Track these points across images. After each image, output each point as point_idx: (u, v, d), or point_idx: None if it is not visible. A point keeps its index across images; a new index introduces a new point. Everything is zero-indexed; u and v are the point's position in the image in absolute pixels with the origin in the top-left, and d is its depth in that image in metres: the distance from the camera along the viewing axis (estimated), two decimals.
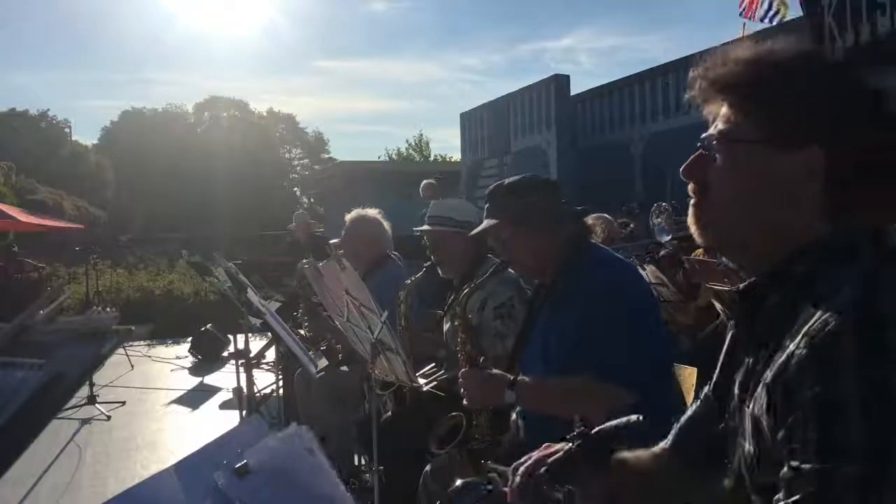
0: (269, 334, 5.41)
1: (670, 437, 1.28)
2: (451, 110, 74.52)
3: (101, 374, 6.53)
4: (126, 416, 5.95)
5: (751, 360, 1.00)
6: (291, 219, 8.60)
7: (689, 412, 1.28)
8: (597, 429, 1.24)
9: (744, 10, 9.30)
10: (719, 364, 1.18)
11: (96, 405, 5.90)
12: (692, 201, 1.08)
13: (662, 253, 4.51)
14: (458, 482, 1.44)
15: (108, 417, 5.77)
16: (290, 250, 8.72)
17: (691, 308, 4.00)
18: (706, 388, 1.24)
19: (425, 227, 3.07)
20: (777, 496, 0.84)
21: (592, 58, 76.39)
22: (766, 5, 9.09)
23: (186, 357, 8.67)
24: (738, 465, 0.99)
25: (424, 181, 8.19)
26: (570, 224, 2.20)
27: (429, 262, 3.12)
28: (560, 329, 2.08)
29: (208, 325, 8.66)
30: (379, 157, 35.60)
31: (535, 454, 1.28)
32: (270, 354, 6.63)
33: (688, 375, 2.25)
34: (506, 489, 1.30)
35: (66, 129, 38.49)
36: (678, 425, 1.28)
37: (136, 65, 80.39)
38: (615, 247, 3.70)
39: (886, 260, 0.94)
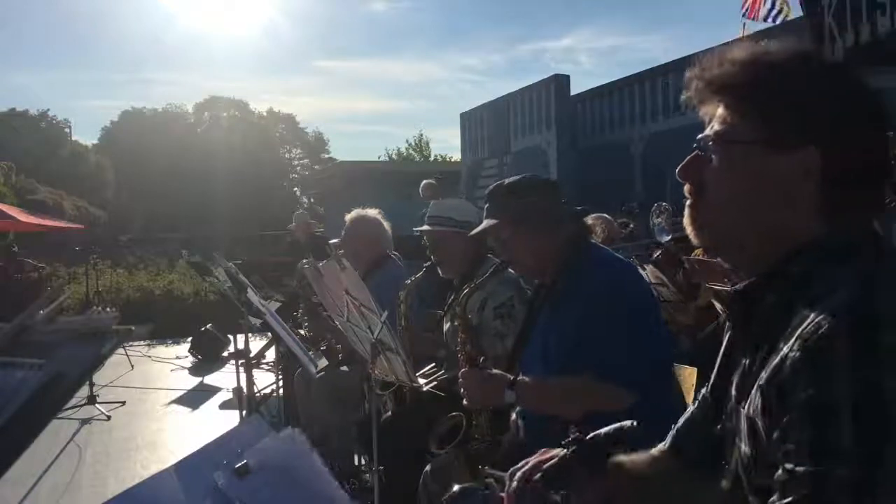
0: (269, 334, 5.41)
1: (668, 438, 1.28)
2: (451, 110, 74.60)
3: (101, 374, 6.53)
4: (126, 416, 5.95)
5: (747, 362, 1.00)
6: (291, 219, 8.60)
7: (686, 413, 1.28)
8: (591, 435, 1.25)
9: (746, 10, 9.30)
10: (717, 365, 1.18)
11: (96, 405, 5.91)
12: (688, 202, 1.08)
13: (656, 255, 4.51)
14: (456, 488, 1.45)
15: (108, 417, 5.77)
16: (290, 250, 8.71)
17: (691, 308, 3.99)
18: (704, 390, 1.24)
19: (425, 227, 3.07)
20: (772, 498, 0.84)
21: (592, 58, 76.50)
22: (769, 4, 9.10)
23: (186, 357, 8.67)
24: (736, 467, 0.99)
25: (424, 181, 8.19)
26: (570, 224, 2.20)
27: (429, 262, 3.12)
28: (560, 329, 2.08)
29: (208, 325, 8.66)
30: (379, 157, 35.65)
31: (532, 459, 1.29)
32: (270, 354, 6.63)
33: (688, 375, 2.25)
34: (503, 494, 1.31)
35: (66, 129, 38.57)
36: (676, 427, 1.28)
37: (136, 65, 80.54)
38: (615, 247, 3.70)
39: (882, 259, 0.94)
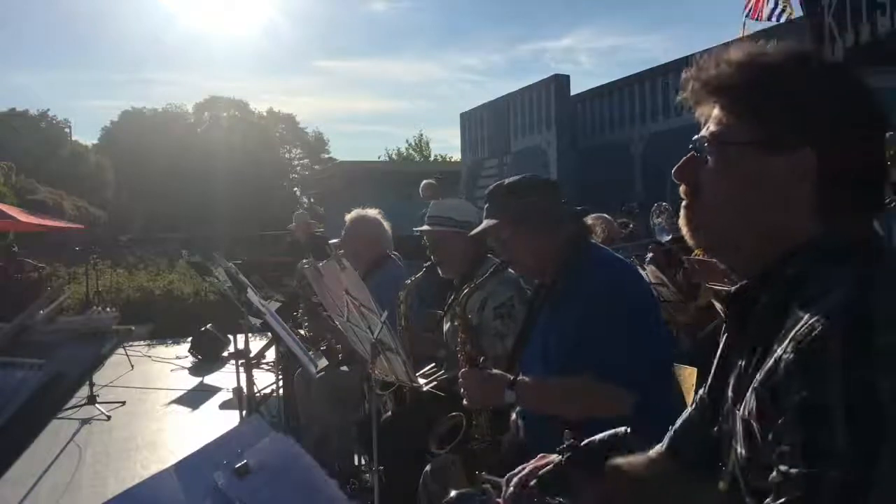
0: (269, 334, 5.41)
1: (665, 440, 1.28)
2: (451, 110, 74.60)
3: (101, 374, 6.53)
4: (126, 416, 5.95)
5: (743, 364, 1.00)
6: (291, 219, 8.60)
7: (684, 415, 1.28)
8: (586, 441, 1.25)
9: (749, 11, 9.29)
10: (714, 367, 1.18)
11: (96, 405, 5.91)
12: (684, 203, 1.08)
13: (650, 256, 4.52)
14: (453, 493, 1.45)
15: (108, 417, 5.77)
16: (290, 250, 8.72)
17: (691, 308, 4.00)
18: (701, 391, 1.24)
19: (425, 227, 3.07)
20: (767, 500, 0.84)
21: (592, 58, 76.53)
22: (772, 3, 9.09)
23: (186, 357, 8.67)
24: (732, 469, 0.99)
25: (424, 181, 8.19)
26: (570, 224, 2.20)
27: (429, 262, 3.12)
28: (560, 329, 2.08)
29: (208, 325, 8.66)
30: (379, 157, 35.67)
31: (529, 465, 1.29)
32: (270, 354, 6.63)
33: (688, 375, 2.25)
34: (499, 500, 1.31)
35: (66, 129, 38.57)
36: (673, 428, 1.28)
37: (136, 65, 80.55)
38: (615, 247, 3.70)
39: (879, 260, 0.94)
